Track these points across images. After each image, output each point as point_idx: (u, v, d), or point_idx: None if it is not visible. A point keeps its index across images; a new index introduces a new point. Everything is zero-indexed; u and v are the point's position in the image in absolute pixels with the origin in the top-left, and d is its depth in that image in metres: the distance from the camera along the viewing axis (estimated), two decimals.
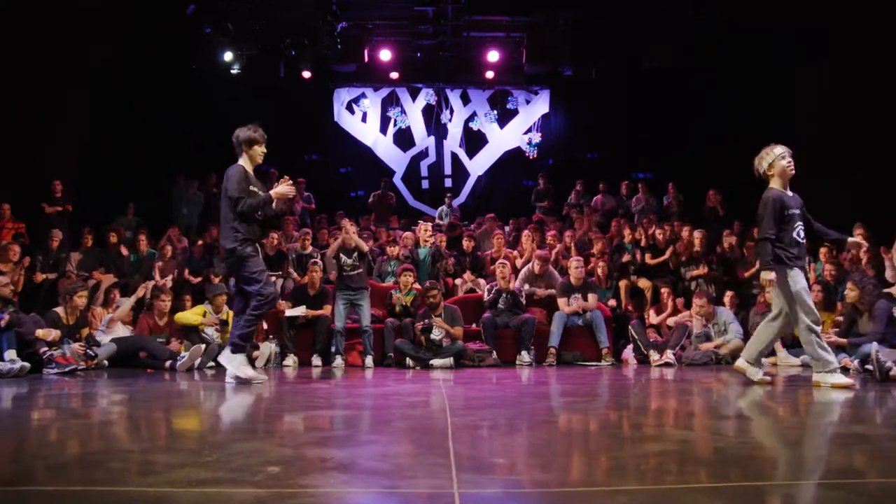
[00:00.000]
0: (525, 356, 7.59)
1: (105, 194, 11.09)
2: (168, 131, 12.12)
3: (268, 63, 12.85)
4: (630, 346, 7.81)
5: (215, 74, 12.77)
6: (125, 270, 9.23)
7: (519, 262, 9.14)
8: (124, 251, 9.48)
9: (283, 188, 5.34)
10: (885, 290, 6.57)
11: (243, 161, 5.36)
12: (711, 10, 11.74)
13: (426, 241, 9.22)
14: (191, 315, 7.38)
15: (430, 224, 9.73)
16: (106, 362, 6.84)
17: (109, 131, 11.59)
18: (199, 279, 9.17)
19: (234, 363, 5.20)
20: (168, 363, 6.69)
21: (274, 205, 5.37)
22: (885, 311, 6.06)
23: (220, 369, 6.91)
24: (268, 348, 7.45)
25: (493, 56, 13.38)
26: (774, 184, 4.86)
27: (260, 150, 5.38)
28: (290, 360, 7.53)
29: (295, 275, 8.99)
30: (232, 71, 12.73)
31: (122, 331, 7.35)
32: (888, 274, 6.92)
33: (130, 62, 11.61)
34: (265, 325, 8.05)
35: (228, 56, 12.52)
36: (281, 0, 11.37)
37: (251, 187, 5.25)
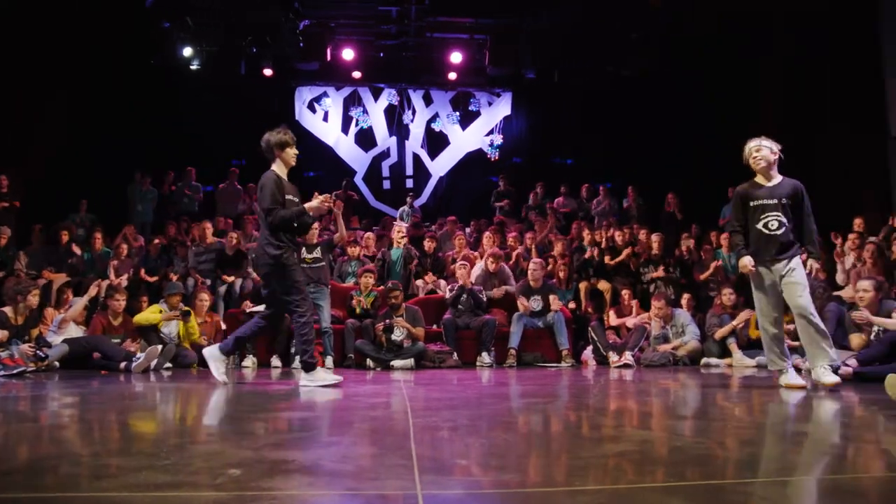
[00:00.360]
0: (485, 357, 7.63)
1: (57, 191, 10.79)
2: (124, 126, 11.86)
3: (228, 60, 12.67)
4: (590, 348, 7.90)
5: (174, 70, 12.54)
6: (79, 269, 9.01)
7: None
8: (77, 249, 9.24)
9: (316, 203, 5.11)
10: (836, 294, 6.77)
11: (276, 166, 5.17)
12: (669, 17, 11.95)
13: (399, 243, 9.18)
14: (149, 314, 7.24)
15: (404, 225, 9.70)
16: (57, 364, 6.65)
17: (62, 126, 11.28)
18: (156, 278, 9.00)
19: (312, 380, 5.05)
20: (123, 364, 6.54)
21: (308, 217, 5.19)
22: (835, 313, 6.24)
23: (178, 370, 6.81)
24: None
25: (455, 57, 13.40)
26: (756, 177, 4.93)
27: (292, 153, 5.22)
28: (250, 361, 7.44)
29: (255, 274, 8.87)
30: (192, 67, 12.52)
31: (75, 331, 7.16)
32: (839, 278, 7.12)
33: (85, 54, 11.31)
34: (224, 326, 7.96)
35: (188, 51, 12.31)
36: None
37: (287, 196, 5.08)
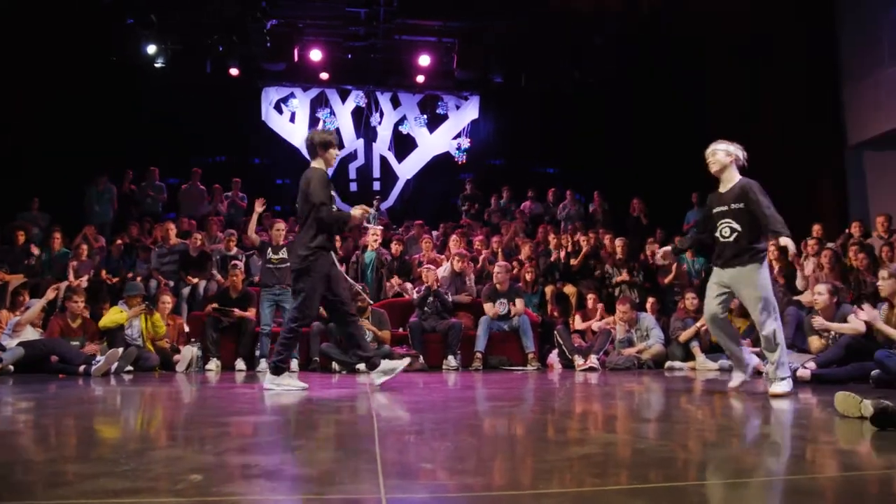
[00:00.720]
0: (452, 360, 7.64)
1: (7, 189, 10.41)
2: (83, 124, 11.57)
3: (194, 59, 12.49)
4: (555, 351, 7.95)
5: (137, 67, 12.31)
6: (36, 270, 8.78)
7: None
8: (35, 250, 9.01)
9: (359, 213, 5.04)
10: (795, 298, 6.92)
11: (317, 164, 5.11)
12: (633, 26, 12.12)
13: (373, 246, 9.13)
14: (113, 316, 7.09)
15: (379, 228, 9.66)
16: (12, 368, 6.42)
17: (15, 123, 10.94)
18: (117, 279, 8.83)
19: (278, 383, 4.95)
20: (82, 368, 6.39)
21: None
22: (794, 317, 6.39)
23: (139, 374, 6.69)
24: (189, 352, 7.26)
25: (424, 60, 13.40)
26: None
27: (335, 153, 5.17)
28: (213, 364, 7.35)
29: (219, 277, 8.78)
30: (155, 65, 12.30)
31: (32, 334, 6.97)
32: (799, 283, 7.26)
33: (43, 50, 11.01)
34: (187, 328, 7.86)
35: (152, 49, 12.09)
36: None
37: (332, 192, 5.05)
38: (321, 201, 4.87)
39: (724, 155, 4.71)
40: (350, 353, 5.42)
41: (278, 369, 4.98)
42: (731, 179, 4.71)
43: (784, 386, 4.47)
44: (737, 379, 4.84)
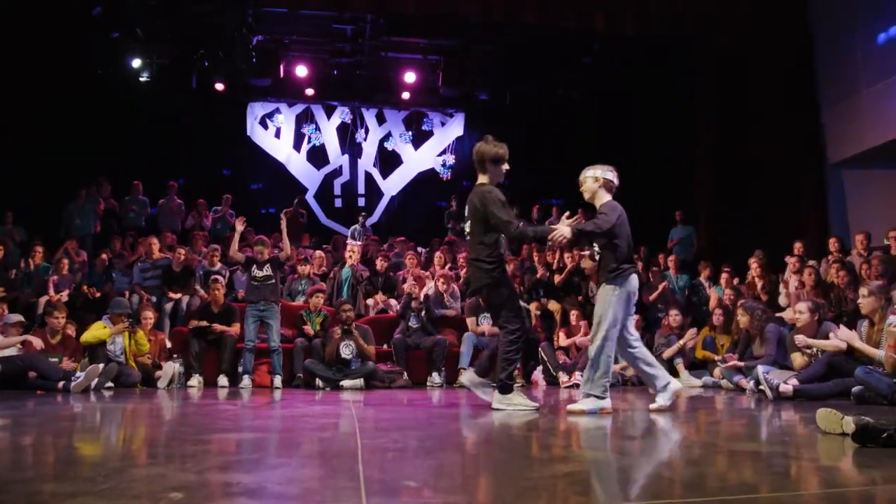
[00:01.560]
0: (436, 377, 7.62)
1: None
2: (65, 138, 11.44)
3: (179, 73, 12.46)
4: (540, 368, 7.94)
5: (122, 81, 12.24)
6: (16, 284, 8.66)
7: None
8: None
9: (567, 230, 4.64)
10: (777, 315, 6.97)
11: (485, 179, 4.87)
12: (619, 47, 12.25)
13: (350, 262, 9.09)
14: (95, 331, 7.00)
15: (356, 244, 9.63)
16: None
17: None
18: (99, 294, 8.74)
19: (507, 403, 4.70)
20: (61, 384, 6.28)
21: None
22: (774, 334, 6.43)
23: (120, 390, 6.60)
24: (171, 368, 7.18)
25: (409, 77, 13.47)
26: None
27: (505, 168, 4.90)
28: (195, 380, 7.27)
29: (202, 292, 8.71)
30: (140, 79, 12.25)
31: (9, 349, 6.86)
32: (782, 300, 7.32)
33: (24, 58, 10.82)
34: (169, 344, 7.79)
35: (137, 63, 12.04)
36: (195, 9, 11.05)
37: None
38: (509, 219, 4.68)
39: (591, 181, 4.73)
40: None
41: (505, 388, 4.72)
42: (601, 203, 4.73)
43: (587, 404, 4.44)
44: (661, 399, 4.72)
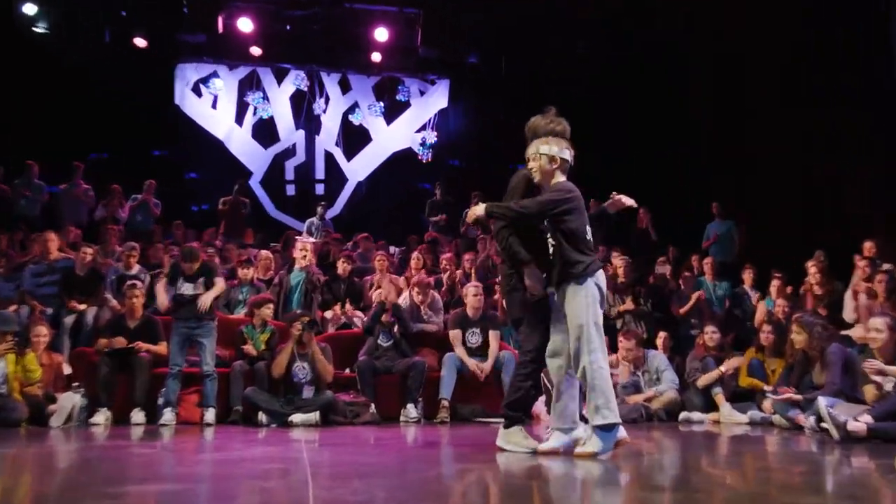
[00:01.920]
0: (411, 410, 7.53)
1: None
2: None
3: (88, 24, 12.32)
4: (542, 398, 7.86)
5: (12, 33, 12.04)
6: None
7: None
8: None
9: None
10: (843, 333, 6.91)
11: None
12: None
13: (301, 264, 8.92)
14: None
15: (309, 241, 9.51)
16: None
17: None
18: None
19: (506, 442, 4.74)
20: None
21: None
22: (839, 356, 6.33)
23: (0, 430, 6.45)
24: (70, 400, 7.00)
25: (381, 34, 13.47)
26: None
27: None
28: (101, 415, 7.11)
29: (114, 302, 8.56)
30: (35, 29, 12.06)
31: None
32: (848, 314, 7.27)
33: None
34: (68, 369, 7.61)
35: (30, 8, 11.85)
36: None
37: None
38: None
39: (546, 161, 4.67)
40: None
41: (509, 420, 4.78)
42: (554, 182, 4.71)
43: (595, 445, 4.38)
44: (555, 440, 4.66)
